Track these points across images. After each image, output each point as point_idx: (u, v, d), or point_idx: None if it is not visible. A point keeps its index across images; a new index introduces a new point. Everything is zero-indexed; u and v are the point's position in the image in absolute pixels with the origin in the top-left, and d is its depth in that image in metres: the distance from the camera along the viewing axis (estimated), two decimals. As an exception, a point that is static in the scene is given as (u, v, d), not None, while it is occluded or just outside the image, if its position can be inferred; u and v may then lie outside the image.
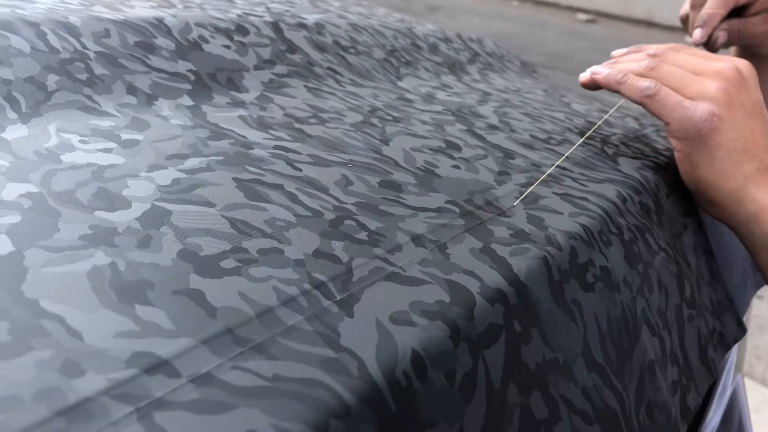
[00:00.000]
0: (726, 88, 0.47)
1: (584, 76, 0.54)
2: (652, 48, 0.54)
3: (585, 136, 0.54)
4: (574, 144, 0.53)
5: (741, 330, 0.53)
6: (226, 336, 0.23)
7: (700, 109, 0.47)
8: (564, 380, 0.32)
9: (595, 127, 0.58)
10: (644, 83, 0.49)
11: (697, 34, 0.63)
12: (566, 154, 0.49)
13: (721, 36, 0.63)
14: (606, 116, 0.61)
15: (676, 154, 0.50)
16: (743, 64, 0.50)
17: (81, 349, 0.21)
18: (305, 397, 0.22)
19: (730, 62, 0.49)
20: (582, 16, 6.64)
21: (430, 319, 0.27)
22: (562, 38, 5.68)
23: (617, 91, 0.52)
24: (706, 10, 0.62)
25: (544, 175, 0.44)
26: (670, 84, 0.49)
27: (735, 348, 0.69)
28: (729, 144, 0.47)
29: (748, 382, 1.86)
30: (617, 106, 0.64)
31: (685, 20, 0.68)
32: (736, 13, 0.65)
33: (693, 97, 0.48)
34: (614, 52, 0.58)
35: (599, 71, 0.53)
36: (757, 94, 0.48)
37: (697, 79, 0.48)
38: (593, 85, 0.54)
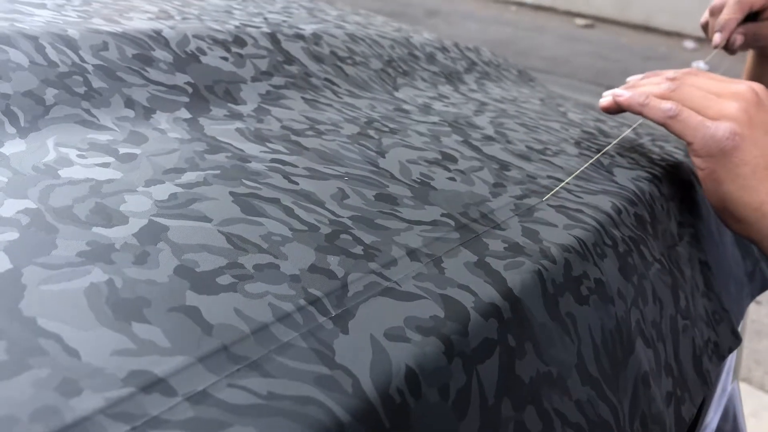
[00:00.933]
0: (746, 108, 0.49)
1: (606, 101, 0.56)
2: (671, 72, 0.55)
3: (602, 152, 0.56)
4: (571, 155, 0.53)
5: (736, 340, 0.53)
6: (222, 353, 0.23)
7: (722, 128, 0.48)
8: (558, 394, 0.32)
9: (615, 141, 0.59)
10: (666, 105, 0.51)
11: (717, 38, 0.68)
12: (582, 168, 0.50)
13: (738, 39, 0.68)
14: (627, 131, 0.62)
15: (699, 172, 0.51)
16: (759, 86, 0.51)
17: (78, 368, 0.21)
18: (299, 415, 0.22)
19: (747, 85, 0.51)
20: (580, 21, 6.66)
21: (425, 334, 0.27)
22: (560, 43, 5.70)
23: (639, 113, 0.53)
24: (724, 16, 0.68)
25: (553, 191, 0.45)
26: (691, 105, 0.50)
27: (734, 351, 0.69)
28: (753, 161, 0.48)
29: (746, 387, 1.86)
30: (637, 123, 0.66)
31: (705, 27, 0.73)
32: (752, 18, 0.70)
33: (714, 118, 0.49)
34: (630, 78, 0.60)
35: (621, 94, 0.54)
36: None
37: (717, 100, 0.50)
38: (615, 109, 0.55)
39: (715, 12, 0.70)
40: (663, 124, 0.51)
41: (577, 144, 0.57)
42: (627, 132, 0.61)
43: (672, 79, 0.53)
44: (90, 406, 0.20)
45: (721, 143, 0.48)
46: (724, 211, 0.51)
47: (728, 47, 0.69)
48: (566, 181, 0.47)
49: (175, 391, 0.21)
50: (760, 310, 2.26)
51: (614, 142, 0.58)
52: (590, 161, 0.52)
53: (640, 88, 0.54)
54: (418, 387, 0.26)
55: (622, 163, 0.54)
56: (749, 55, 0.79)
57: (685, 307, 0.48)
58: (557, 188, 0.45)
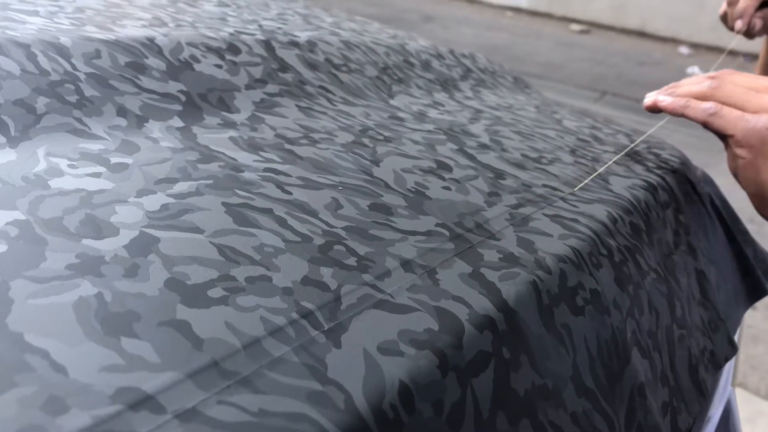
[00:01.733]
0: None
1: (649, 102, 0.59)
2: (710, 74, 0.59)
3: (624, 151, 0.59)
4: (566, 163, 0.53)
5: (732, 349, 0.53)
6: (213, 369, 0.23)
7: (762, 120, 0.51)
8: (553, 406, 0.32)
9: (640, 139, 0.62)
10: (706, 104, 0.54)
11: (738, 24, 0.76)
12: (606, 165, 0.50)
13: (758, 23, 0.76)
14: (656, 127, 0.64)
15: (739, 162, 0.54)
16: None
17: (65, 385, 0.21)
18: None
19: None
20: (575, 27, 6.68)
21: (419, 348, 0.27)
22: (555, 49, 5.71)
23: (682, 115, 0.56)
24: (742, 3, 0.76)
25: (582, 183, 0.44)
26: (732, 102, 0.54)
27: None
28: None
29: (742, 392, 1.86)
30: (661, 123, 0.68)
31: (724, 17, 0.81)
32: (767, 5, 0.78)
33: (754, 111, 0.52)
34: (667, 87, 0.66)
35: (663, 99, 0.58)
36: None
37: (756, 95, 0.53)
38: (657, 110, 0.58)
39: (732, 2, 0.78)
40: (704, 123, 0.54)
41: (573, 152, 0.57)
42: (661, 123, 0.65)
43: (712, 78, 0.56)
44: (77, 425, 0.20)
45: (761, 134, 0.51)
46: (762, 200, 0.53)
47: (748, 32, 0.77)
48: (595, 173, 0.47)
49: (164, 409, 0.21)
50: (756, 315, 2.26)
51: (639, 140, 0.62)
52: (620, 155, 0.54)
53: (682, 89, 0.57)
54: (412, 402, 0.25)
55: (617, 172, 0.54)
56: (764, 41, 0.88)
57: (681, 316, 0.48)
58: (585, 182, 0.45)
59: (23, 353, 0.22)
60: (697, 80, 0.57)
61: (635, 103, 4.41)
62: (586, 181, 0.50)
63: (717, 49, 6.11)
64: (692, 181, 0.64)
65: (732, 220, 0.67)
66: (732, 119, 0.52)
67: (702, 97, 0.55)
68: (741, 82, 0.55)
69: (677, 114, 0.56)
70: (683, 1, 6.50)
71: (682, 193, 0.59)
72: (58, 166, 0.34)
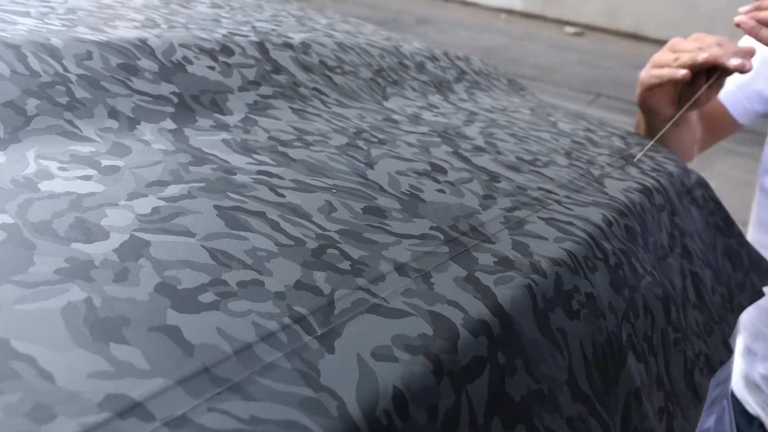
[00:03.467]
0: None
1: (737, 20, 0.70)
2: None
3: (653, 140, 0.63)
4: (561, 166, 0.53)
5: (728, 352, 0.53)
6: (203, 375, 0.23)
7: None
8: (549, 411, 0.32)
9: (652, 141, 0.66)
10: None
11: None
12: (639, 155, 0.49)
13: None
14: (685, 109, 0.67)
15: None
16: None
17: (52, 392, 0.21)
18: None
19: None
20: (569, 29, 6.69)
21: (413, 353, 0.27)
22: (550, 51, 5.72)
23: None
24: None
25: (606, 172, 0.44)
26: None
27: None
28: None
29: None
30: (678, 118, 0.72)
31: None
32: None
33: None
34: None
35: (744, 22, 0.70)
36: None
37: None
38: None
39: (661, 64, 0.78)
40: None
41: (568, 154, 0.56)
42: (687, 110, 0.68)
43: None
44: None
45: None
46: None
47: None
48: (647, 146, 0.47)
49: (153, 416, 0.21)
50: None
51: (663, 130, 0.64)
52: (647, 146, 0.57)
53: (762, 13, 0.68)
54: (406, 408, 0.25)
55: (612, 174, 0.54)
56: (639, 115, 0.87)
57: (677, 319, 0.47)
58: (643, 151, 0.45)
59: (9, 360, 0.21)
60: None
61: (629, 106, 4.42)
62: (644, 150, 0.51)
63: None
64: (687, 184, 0.64)
65: (726, 223, 0.67)
66: None
67: None
68: None
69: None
70: (676, 4, 6.53)
71: (677, 196, 0.59)
72: (47, 168, 0.33)
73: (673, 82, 0.73)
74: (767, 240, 0.94)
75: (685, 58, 0.71)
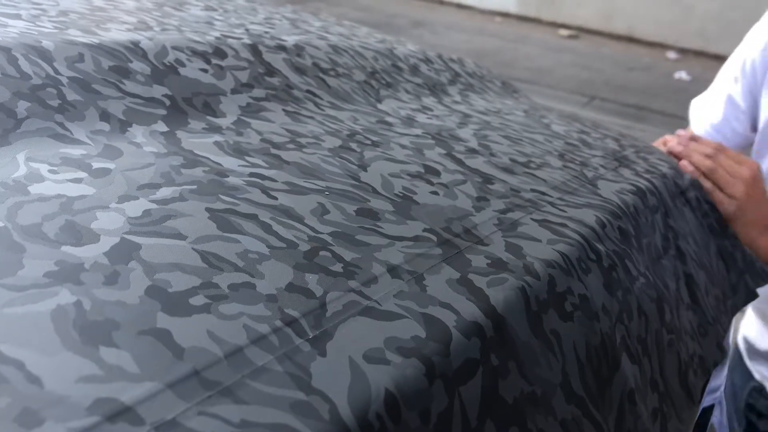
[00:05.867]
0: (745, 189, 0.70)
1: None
2: (709, 149, 0.73)
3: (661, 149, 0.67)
4: (555, 168, 0.53)
5: (722, 354, 0.53)
6: (193, 379, 0.22)
7: (732, 206, 0.70)
8: (542, 414, 0.32)
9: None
10: (707, 185, 0.71)
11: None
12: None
13: None
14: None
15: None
16: (755, 167, 0.73)
17: (40, 397, 0.20)
18: None
19: (748, 166, 0.73)
20: (564, 32, 6.71)
21: (405, 356, 0.27)
22: (544, 54, 5.73)
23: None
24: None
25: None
26: (719, 183, 0.71)
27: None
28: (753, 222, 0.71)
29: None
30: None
31: None
32: None
33: (730, 195, 0.70)
34: (679, 132, 0.80)
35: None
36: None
37: (732, 182, 0.70)
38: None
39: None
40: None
41: (561, 156, 0.56)
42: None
43: (710, 157, 0.72)
44: None
45: (730, 215, 0.70)
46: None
47: None
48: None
49: (143, 420, 0.20)
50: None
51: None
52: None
53: (691, 157, 0.73)
54: (398, 411, 0.25)
55: (606, 176, 0.54)
56: None
57: (671, 321, 0.47)
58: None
59: None
60: (703, 152, 0.73)
61: (623, 108, 4.43)
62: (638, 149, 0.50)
63: (704, 54, 6.16)
64: (681, 185, 0.64)
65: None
66: (717, 199, 0.70)
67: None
68: (726, 167, 0.71)
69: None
70: (670, 6, 6.56)
71: (671, 197, 0.59)
72: (38, 171, 0.33)
73: None
74: None
75: None
